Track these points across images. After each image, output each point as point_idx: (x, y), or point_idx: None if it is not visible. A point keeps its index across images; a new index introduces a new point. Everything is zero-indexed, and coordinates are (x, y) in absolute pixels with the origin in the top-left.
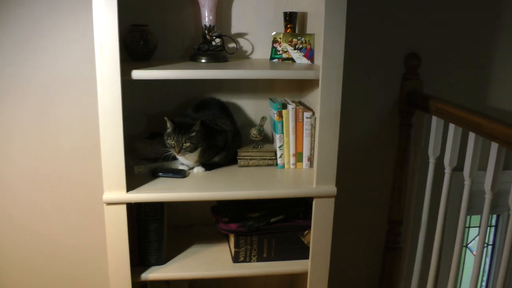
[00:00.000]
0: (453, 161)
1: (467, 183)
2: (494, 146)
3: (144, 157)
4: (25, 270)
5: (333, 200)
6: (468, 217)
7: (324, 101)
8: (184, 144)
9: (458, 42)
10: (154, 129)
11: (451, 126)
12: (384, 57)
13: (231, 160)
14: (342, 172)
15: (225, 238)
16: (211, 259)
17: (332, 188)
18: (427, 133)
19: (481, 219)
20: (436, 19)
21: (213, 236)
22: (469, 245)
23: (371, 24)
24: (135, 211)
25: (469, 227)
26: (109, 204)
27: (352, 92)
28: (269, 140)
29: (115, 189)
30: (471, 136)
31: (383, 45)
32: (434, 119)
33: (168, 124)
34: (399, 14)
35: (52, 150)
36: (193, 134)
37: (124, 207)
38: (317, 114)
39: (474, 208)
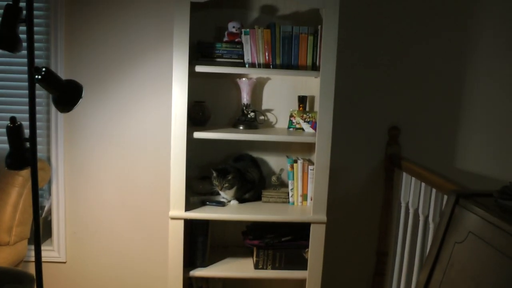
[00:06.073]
0: (414, 203)
1: (421, 218)
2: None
3: (197, 192)
4: (104, 262)
5: (324, 226)
6: None
7: (319, 157)
8: (224, 184)
9: (430, 116)
10: (205, 173)
11: (412, 179)
12: (374, 129)
13: (257, 197)
14: (340, 212)
15: (250, 254)
16: (239, 266)
17: (323, 217)
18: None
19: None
20: (414, 98)
21: (242, 253)
22: None
23: (363, 103)
24: (188, 226)
25: None
26: (172, 218)
27: (349, 154)
28: (285, 185)
29: (177, 208)
30: (423, 184)
31: (373, 120)
32: (404, 174)
33: (214, 173)
34: (385, 97)
35: (133, 183)
36: (230, 177)
37: (182, 222)
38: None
39: None
